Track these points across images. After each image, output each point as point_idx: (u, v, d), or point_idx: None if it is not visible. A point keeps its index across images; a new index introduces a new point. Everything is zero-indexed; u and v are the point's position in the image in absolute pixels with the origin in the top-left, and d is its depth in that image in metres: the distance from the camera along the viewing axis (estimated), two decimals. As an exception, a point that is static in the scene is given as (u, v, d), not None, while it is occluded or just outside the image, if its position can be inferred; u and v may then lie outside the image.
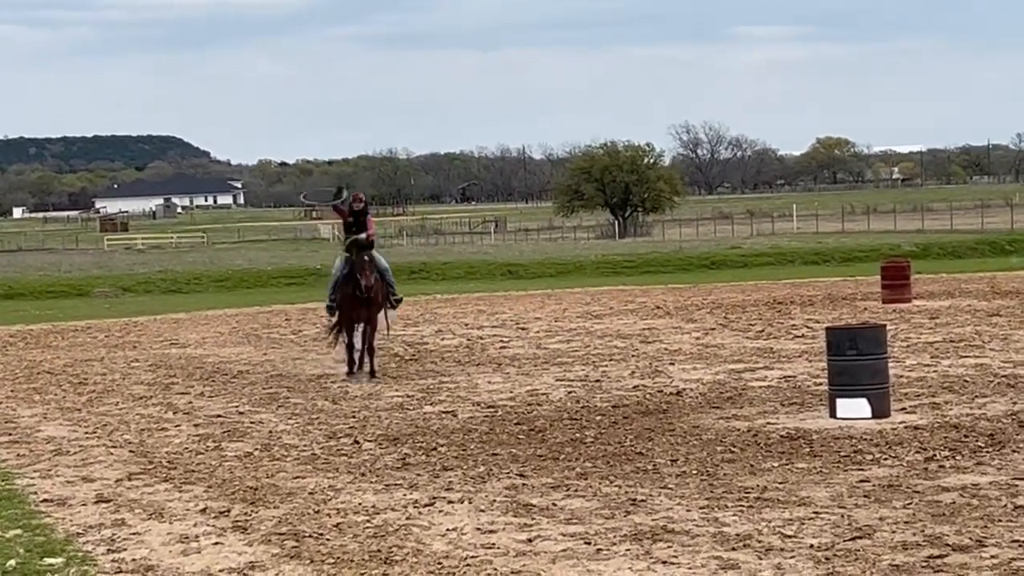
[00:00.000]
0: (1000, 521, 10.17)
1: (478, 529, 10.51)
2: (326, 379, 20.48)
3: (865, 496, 11.16)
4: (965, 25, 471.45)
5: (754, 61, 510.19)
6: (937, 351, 20.94)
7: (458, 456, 13.75)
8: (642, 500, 11.30)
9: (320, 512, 11.31)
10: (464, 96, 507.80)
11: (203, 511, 11.55)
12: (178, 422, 16.81)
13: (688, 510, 10.88)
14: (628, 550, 9.71)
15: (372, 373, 20.27)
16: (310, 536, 10.47)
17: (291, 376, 21.06)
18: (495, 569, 9.36)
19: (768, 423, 15.00)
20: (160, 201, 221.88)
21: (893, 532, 9.93)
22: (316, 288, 40.40)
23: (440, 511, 11.18)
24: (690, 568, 9.22)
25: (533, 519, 10.78)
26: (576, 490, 11.81)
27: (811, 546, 9.62)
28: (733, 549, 9.62)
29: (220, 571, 9.65)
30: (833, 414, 15.02)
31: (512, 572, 9.29)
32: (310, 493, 12.12)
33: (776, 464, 12.66)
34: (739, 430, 14.59)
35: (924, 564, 9.09)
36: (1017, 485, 11.38)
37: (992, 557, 9.19)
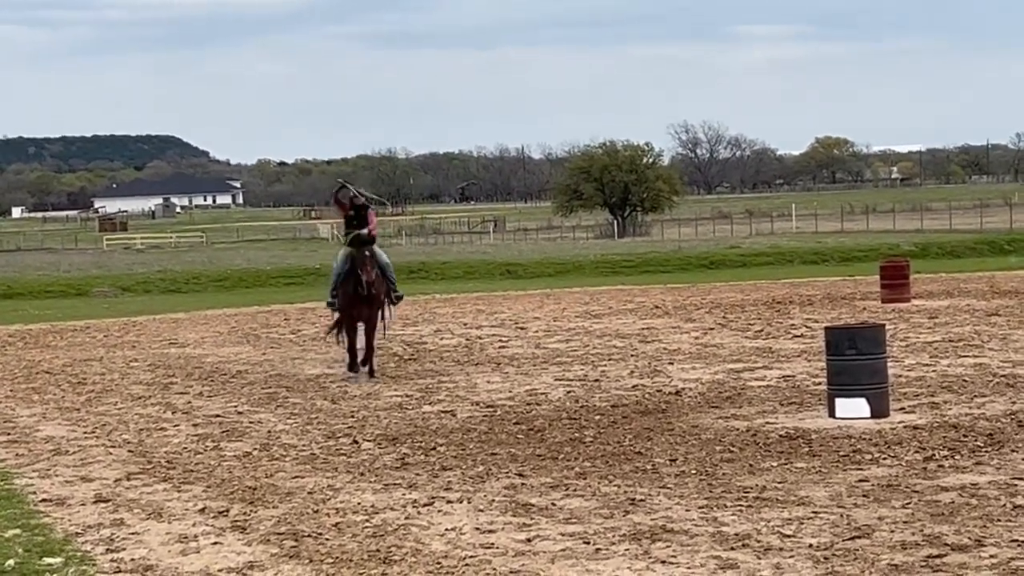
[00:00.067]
0: (999, 521, 10.17)
1: (477, 529, 10.50)
2: (325, 379, 20.47)
3: (864, 496, 11.15)
4: (965, 25, 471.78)
5: (754, 60, 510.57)
6: (936, 351, 20.93)
7: (457, 456, 13.74)
8: (641, 500, 11.29)
9: (319, 512, 11.30)
10: (463, 96, 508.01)
11: (202, 511, 11.54)
12: (177, 422, 16.80)
13: (687, 510, 10.87)
14: (627, 550, 9.70)
15: (371, 373, 20.26)
16: (309, 536, 10.46)
17: (290, 376, 21.05)
18: (494, 569, 9.36)
19: (767, 423, 14.99)
20: (159, 201, 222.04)
21: (892, 532, 9.93)
22: (315, 288, 40.45)
23: (439, 511, 11.18)
24: (689, 568, 9.21)
25: (532, 519, 10.77)
26: (575, 490, 11.81)
27: (810, 546, 9.61)
28: (732, 549, 9.61)
29: (219, 571, 9.64)
30: (832, 414, 15.01)
31: (511, 572, 9.28)
32: (309, 493, 12.11)
33: (775, 464, 12.65)
34: (738, 430, 14.58)
35: (923, 564, 9.08)
36: (1016, 485, 11.37)
37: (991, 557, 9.19)
